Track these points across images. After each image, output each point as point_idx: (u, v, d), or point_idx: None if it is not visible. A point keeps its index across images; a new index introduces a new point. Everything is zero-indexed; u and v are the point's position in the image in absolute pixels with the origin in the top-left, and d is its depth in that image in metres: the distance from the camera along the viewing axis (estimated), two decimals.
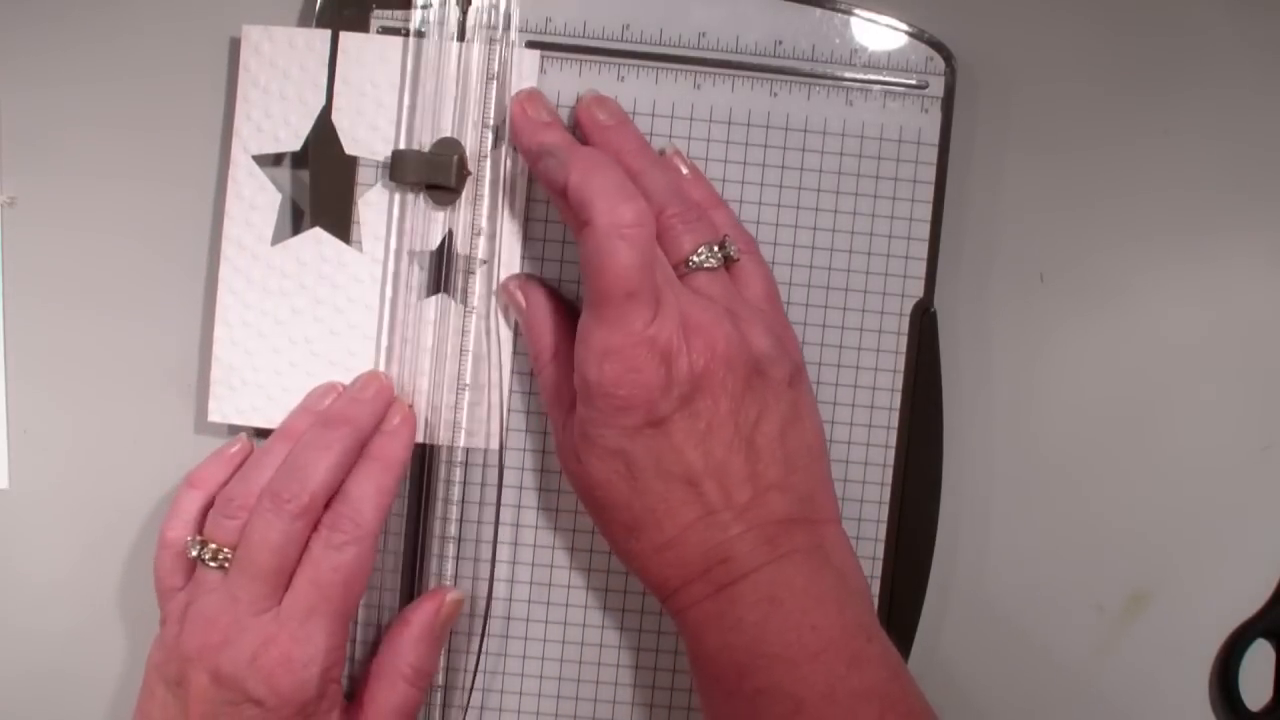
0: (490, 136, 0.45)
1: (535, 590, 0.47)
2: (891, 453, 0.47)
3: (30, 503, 0.47)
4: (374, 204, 0.46)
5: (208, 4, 0.47)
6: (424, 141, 0.45)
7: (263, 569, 0.42)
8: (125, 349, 0.47)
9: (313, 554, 0.42)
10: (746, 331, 0.41)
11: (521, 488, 0.47)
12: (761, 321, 0.42)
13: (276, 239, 0.46)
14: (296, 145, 0.46)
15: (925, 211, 0.46)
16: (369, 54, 0.45)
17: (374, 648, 0.45)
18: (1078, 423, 0.48)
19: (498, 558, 0.46)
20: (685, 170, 0.45)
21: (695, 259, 0.42)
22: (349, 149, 0.46)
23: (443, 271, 0.46)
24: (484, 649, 0.46)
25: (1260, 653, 0.48)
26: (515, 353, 0.46)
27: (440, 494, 0.46)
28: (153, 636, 0.44)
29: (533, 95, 0.45)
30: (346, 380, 0.46)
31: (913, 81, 0.46)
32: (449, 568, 0.46)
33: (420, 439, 0.45)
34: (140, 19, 0.47)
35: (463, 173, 0.45)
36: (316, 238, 0.46)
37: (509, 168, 0.45)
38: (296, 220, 0.46)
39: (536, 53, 0.45)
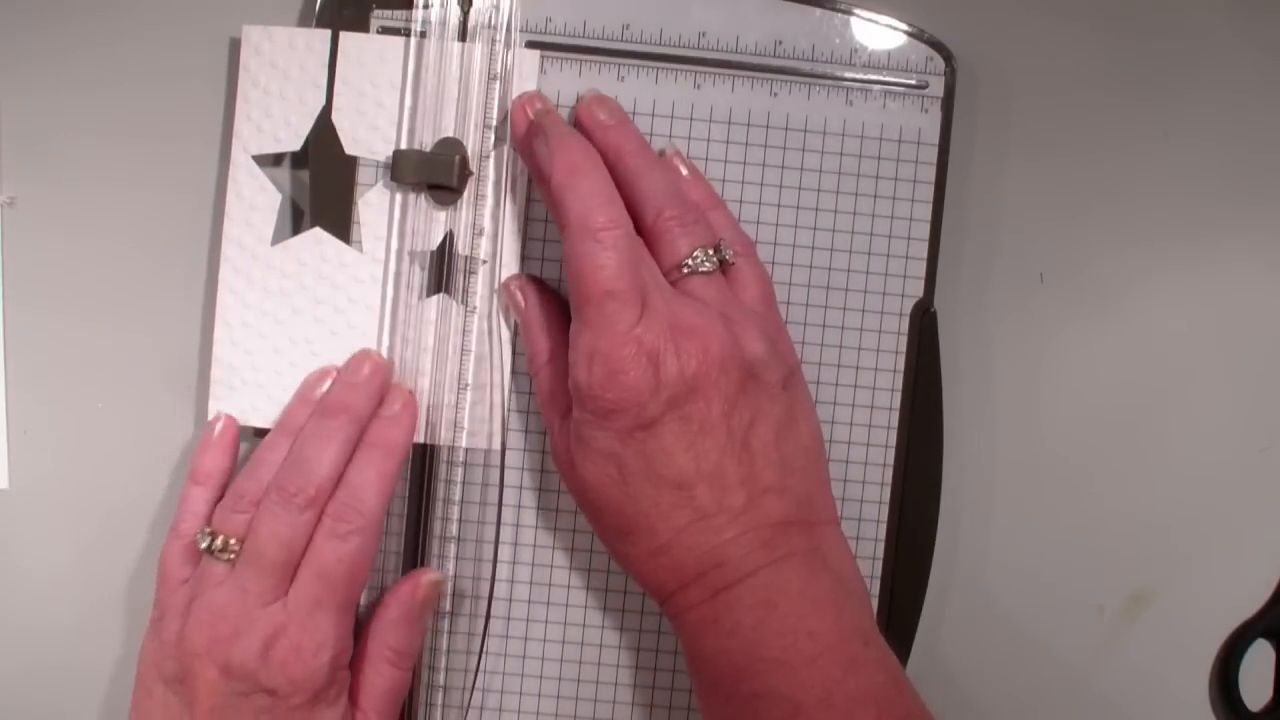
0: (491, 136, 0.45)
1: (535, 590, 0.47)
2: (891, 453, 0.47)
3: (30, 502, 0.48)
4: (374, 204, 0.46)
5: (207, 5, 0.47)
6: (425, 141, 0.45)
7: (271, 561, 0.42)
8: (125, 349, 0.47)
9: (317, 544, 0.42)
10: (740, 335, 0.41)
11: (521, 488, 0.47)
12: (756, 325, 0.42)
13: (277, 239, 0.46)
14: (297, 145, 0.46)
15: (925, 212, 0.46)
16: (369, 54, 0.45)
17: None
18: (1078, 423, 0.48)
19: (498, 558, 0.46)
20: (685, 171, 0.45)
21: (690, 262, 0.42)
22: (349, 149, 0.46)
23: (443, 271, 0.46)
24: (484, 649, 0.46)
25: (1260, 653, 0.48)
26: (516, 353, 0.46)
27: (440, 494, 0.46)
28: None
29: (535, 98, 0.45)
30: None
31: (913, 81, 0.46)
32: (449, 568, 0.46)
33: (421, 439, 0.45)
34: (140, 20, 0.47)
35: (464, 173, 0.45)
36: (317, 238, 0.46)
37: (510, 168, 0.45)
38: (297, 220, 0.46)
39: (536, 53, 0.45)
